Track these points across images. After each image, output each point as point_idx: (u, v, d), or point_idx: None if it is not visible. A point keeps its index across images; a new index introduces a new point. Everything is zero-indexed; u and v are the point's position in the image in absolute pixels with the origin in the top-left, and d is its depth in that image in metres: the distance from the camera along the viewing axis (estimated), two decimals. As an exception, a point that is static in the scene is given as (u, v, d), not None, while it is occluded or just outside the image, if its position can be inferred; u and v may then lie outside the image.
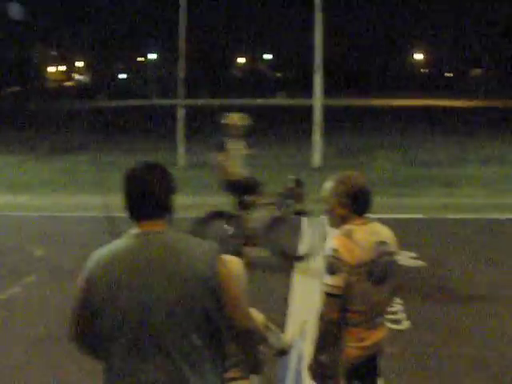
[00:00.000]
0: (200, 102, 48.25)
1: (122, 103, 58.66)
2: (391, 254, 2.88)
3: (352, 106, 47.06)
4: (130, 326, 2.06)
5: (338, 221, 2.89)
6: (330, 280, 2.74)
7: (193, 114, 18.45)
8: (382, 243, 2.85)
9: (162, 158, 16.41)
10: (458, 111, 41.69)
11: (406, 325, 5.36)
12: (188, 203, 10.86)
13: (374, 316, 2.86)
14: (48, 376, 4.50)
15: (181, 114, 15.81)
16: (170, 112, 17.86)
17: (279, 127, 27.23)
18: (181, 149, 15.78)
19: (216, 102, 58.70)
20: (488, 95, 60.60)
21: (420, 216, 9.53)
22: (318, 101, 15.37)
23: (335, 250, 2.74)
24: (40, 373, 4.57)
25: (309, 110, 16.11)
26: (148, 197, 2.17)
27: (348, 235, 2.78)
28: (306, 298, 5.93)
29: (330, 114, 21.48)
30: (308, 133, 15.79)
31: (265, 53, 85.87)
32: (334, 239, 2.80)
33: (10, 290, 6.45)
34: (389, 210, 9.24)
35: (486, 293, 6.29)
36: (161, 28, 70.72)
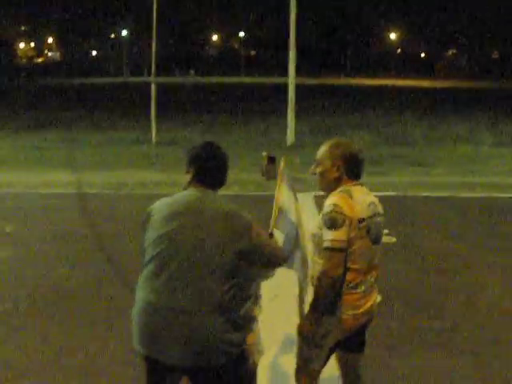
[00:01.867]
0: (171, 79, 47.67)
1: (94, 80, 57.73)
2: (381, 215, 2.97)
3: (326, 85, 47.10)
4: (169, 251, 2.50)
5: (331, 183, 2.95)
6: (332, 234, 2.75)
7: (166, 92, 18.28)
8: (374, 204, 2.94)
9: (134, 136, 16.27)
10: (429, 91, 42.03)
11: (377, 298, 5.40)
12: (157, 179, 10.78)
13: (369, 278, 2.90)
14: (16, 353, 4.44)
15: (153, 91, 15.61)
16: (143, 89, 17.67)
17: (254, 106, 27.12)
18: (153, 126, 15.61)
19: (189, 79, 58.23)
20: (461, 76, 61.13)
21: (392, 194, 9.61)
22: (291, 79, 15.32)
23: (336, 205, 2.78)
24: (6, 348, 4.50)
25: (284, 89, 16.06)
26: (219, 171, 2.73)
27: (347, 193, 2.85)
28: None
29: (304, 92, 21.49)
30: (284, 111, 15.75)
31: (239, 30, 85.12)
32: (332, 196, 2.85)
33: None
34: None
35: (455, 267, 6.38)
36: (134, 4, 69.54)
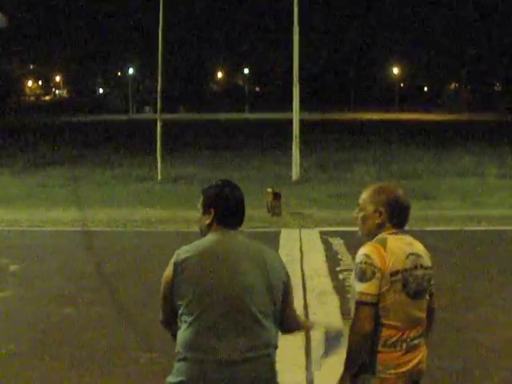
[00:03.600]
0: (177, 116, 48.12)
1: (100, 117, 58.33)
2: (427, 268, 2.78)
3: (330, 120, 47.40)
4: (219, 302, 2.47)
5: (373, 230, 2.80)
6: (362, 287, 2.61)
7: (170, 128, 18.42)
8: (417, 255, 2.75)
9: (139, 173, 16.32)
10: (433, 125, 42.21)
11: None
12: (165, 217, 10.76)
13: (411, 336, 2.68)
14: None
15: (159, 128, 15.72)
16: (148, 126, 17.81)
17: (259, 141, 27.26)
18: (158, 163, 15.66)
19: (194, 116, 58.76)
20: (462, 110, 61.45)
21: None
22: (296, 114, 15.40)
23: (367, 256, 2.64)
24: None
25: (289, 124, 16.14)
26: (239, 211, 2.70)
27: (381, 242, 2.70)
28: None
29: (309, 127, 21.57)
30: (289, 147, 15.79)
31: (244, 67, 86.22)
32: (365, 246, 2.71)
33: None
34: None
35: (465, 303, 6.27)
36: (139, 43, 70.65)
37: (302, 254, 8.01)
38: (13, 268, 7.62)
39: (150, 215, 10.89)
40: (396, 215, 2.79)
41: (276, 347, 2.57)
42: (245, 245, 2.61)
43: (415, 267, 2.70)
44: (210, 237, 2.61)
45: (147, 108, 68.96)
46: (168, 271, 2.56)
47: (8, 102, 78.03)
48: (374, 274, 2.61)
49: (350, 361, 2.64)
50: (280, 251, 8.21)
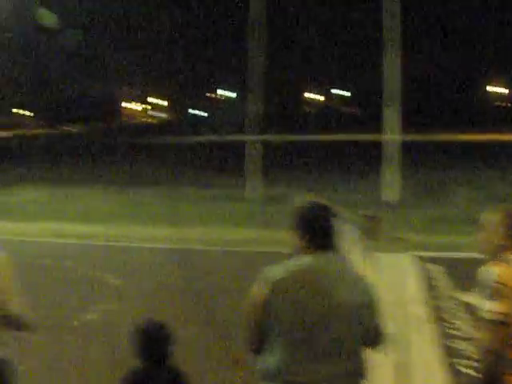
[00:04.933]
0: (271, 137, 48.56)
1: (196, 138, 59.98)
2: None
3: (427, 140, 46.16)
4: (311, 326, 2.45)
5: (496, 250, 2.80)
6: (493, 306, 2.60)
7: (264, 150, 18.68)
8: None
9: (234, 193, 16.58)
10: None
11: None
12: (253, 237, 10.83)
13: None
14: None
15: (251, 149, 15.93)
16: (242, 147, 18.16)
17: (354, 162, 26.97)
18: (253, 183, 15.84)
19: (288, 137, 59.12)
20: None
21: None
22: (390, 136, 15.13)
23: (499, 276, 2.64)
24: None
25: (381, 145, 15.89)
26: (330, 232, 2.63)
27: (509, 263, 2.70)
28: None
29: (404, 148, 21.06)
30: (385, 169, 15.50)
31: (338, 88, 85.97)
32: (494, 266, 2.70)
33: (83, 317, 6.57)
34: (466, 249, 8.86)
35: None
36: (235, 66, 72.38)
37: (399, 280, 7.79)
38: (115, 282, 7.93)
39: (243, 235, 11.01)
40: None
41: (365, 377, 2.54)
42: (337, 266, 2.58)
43: None
44: (304, 258, 2.58)
45: (246, 129, 69.62)
46: (261, 291, 2.51)
47: (112, 123, 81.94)
48: (504, 294, 2.59)
49: (485, 381, 2.60)
50: (375, 276, 8.02)
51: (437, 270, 8.15)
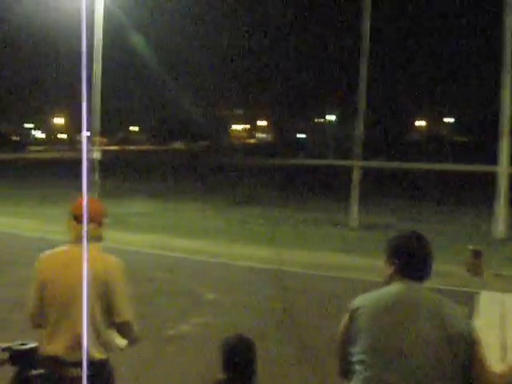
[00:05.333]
0: (375, 163, 47.79)
1: (300, 161, 60.31)
2: None
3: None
4: (389, 354, 2.39)
5: None
6: None
7: (368, 176, 18.46)
8: None
9: (334, 218, 16.47)
10: None
11: None
12: (359, 264, 10.66)
13: None
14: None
15: (355, 175, 15.79)
16: (346, 173, 18.07)
17: (462, 195, 26.00)
18: (354, 209, 15.67)
19: (392, 164, 58.01)
20: None
21: None
22: (503, 168, 14.43)
23: None
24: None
25: (492, 178, 15.19)
26: (423, 263, 2.59)
27: None
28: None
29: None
30: (493, 202, 14.81)
31: (446, 116, 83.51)
32: None
33: (179, 327, 6.76)
34: None
35: None
36: (340, 89, 72.21)
37: (504, 320, 7.36)
38: (209, 297, 8.11)
39: (342, 261, 10.89)
40: None
41: None
42: (424, 297, 2.51)
43: None
44: (391, 287, 2.57)
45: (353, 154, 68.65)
46: (345, 318, 2.55)
47: (217, 144, 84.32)
48: None
49: None
50: (477, 314, 7.62)
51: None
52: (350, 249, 12.04)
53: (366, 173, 17.22)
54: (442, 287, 9.07)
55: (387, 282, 2.61)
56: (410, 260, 2.58)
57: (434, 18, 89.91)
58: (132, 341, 3.16)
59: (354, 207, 15.60)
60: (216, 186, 26.14)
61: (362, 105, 16.11)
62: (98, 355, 3.01)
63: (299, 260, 10.90)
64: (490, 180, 15.13)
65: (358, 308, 2.53)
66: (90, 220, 3.04)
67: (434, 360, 2.36)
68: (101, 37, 17.96)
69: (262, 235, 13.64)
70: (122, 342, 3.16)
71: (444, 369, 2.37)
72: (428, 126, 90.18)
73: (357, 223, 15.36)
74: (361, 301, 2.56)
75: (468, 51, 77.95)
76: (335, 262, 10.83)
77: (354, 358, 2.48)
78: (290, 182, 30.23)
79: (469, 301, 8.03)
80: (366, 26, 16.10)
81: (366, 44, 16.11)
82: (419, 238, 2.64)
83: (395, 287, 2.55)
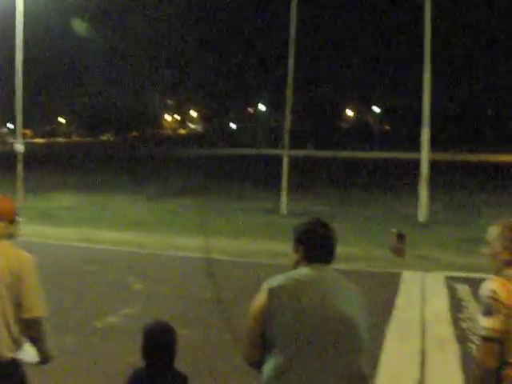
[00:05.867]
0: (304, 152, 48.48)
1: (230, 151, 60.39)
2: None
3: (461, 161, 45.54)
4: (313, 331, 2.46)
5: (500, 265, 2.79)
6: (486, 322, 2.59)
7: (297, 165, 18.73)
8: None
9: (265, 206, 16.62)
10: None
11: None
12: (287, 250, 10.82)
13: None
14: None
15: (285, 163, 15.98)
16: (276, 162, 18.24)
17: (386, 180, 26.80)
18: (284, 197, 15.88)
19: (321, 153, 59.05)
20: None
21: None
22: (425, 154, 14.98)
23: (493, 291, 2.62)
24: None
25: (416, 164, 15.74)
26: (327, 248, 2.70)
27: (509, 278, 2.68)
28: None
29: (438, 168, 20.82)
30: (416, 187, 15.34)
31: (373, 105, 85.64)
32: (492, 280, 2.69)
33: (106, 319, 6.67)
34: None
35: None
36: (270, 80, 72.76)
37: (424, 299, 7.68)
38: (137, 287, 8.03)
39: (272, 247, 11.02)
40: None
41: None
42: (335, 276, 2.63)
43: None
44: (301, 269, 2.65)
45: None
46: (261, 299, 2.56)
47: (146, 133, 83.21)
48: (497, 310, 2.56)
49: None
50: (400, 293, 7.92)
51: (464, 291, 8.01)
52: (277, 236, 12.20)
53: (296, 162, 17.48)
54: (369, 269, 9.38)
55: (294, 268, 2.70)
56: (315, 246, 2.68)
57: (362, 11, 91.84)
58: (39, 340, 3.06)
59: (284, 195, 15.80)
60: (146, 177, 25.81)
61: (289, 93, 16.30)
62: (8, 353, 2.93)
63: (228, 248, 10.94)
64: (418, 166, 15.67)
65: (278, 287, 2.56)
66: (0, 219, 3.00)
67: (345, 334, 2.47)
68: (21, 19, 17.35)
69: (193, 225, 13.60)
70: (34, 356, 3.09)
71: (353, 342, 2.49)
72: (356, 115, 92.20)
73: (286, 211, 15.56)
74: (279, 280, 2.59)
75: (393, 41, 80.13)
76: (262, 248, 10.95)
77: (275, 338, 2.50)
78: (220, 171, 30.27)
79: (392, 280, 8.37)
80: (293, 18, 16.29)
81: (292, 35, 16.29)
82: (324, 224, 2.75)
83: (305, 270, 2.64)
